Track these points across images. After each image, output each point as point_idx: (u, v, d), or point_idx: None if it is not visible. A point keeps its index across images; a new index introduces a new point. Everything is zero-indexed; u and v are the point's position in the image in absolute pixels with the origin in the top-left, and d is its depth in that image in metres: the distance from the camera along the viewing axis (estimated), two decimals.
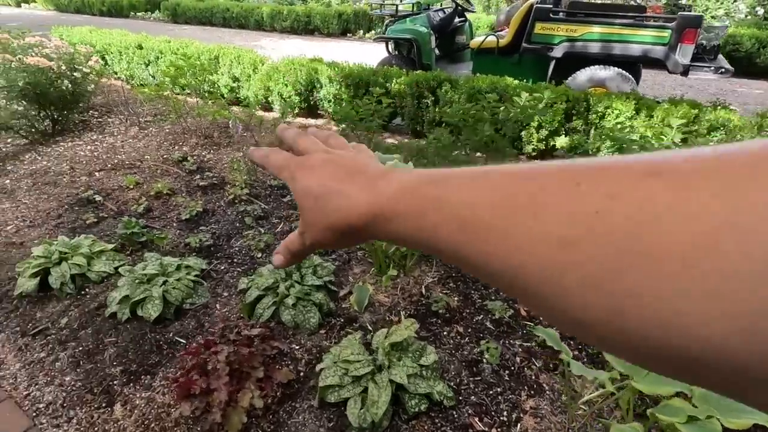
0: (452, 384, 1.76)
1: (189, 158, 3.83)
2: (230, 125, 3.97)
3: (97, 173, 3.72)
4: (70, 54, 4.47)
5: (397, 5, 5.51)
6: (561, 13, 4.27)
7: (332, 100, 4.57)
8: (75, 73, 4.48)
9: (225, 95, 5.32)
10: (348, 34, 11.95)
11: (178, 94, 5.00)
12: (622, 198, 0.17)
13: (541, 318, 1.74)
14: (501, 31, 5.23)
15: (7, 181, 3.63)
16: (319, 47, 9.82)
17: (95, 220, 2.98)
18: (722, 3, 10.26)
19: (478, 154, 2.92)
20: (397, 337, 1.69)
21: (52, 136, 4.59)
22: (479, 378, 1.81)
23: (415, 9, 5.71)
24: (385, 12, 5.70)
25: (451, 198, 0.24)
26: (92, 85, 4.67)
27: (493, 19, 8.85)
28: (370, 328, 2.06)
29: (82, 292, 2.37)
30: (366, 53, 8.39)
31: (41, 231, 2.92)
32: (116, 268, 2.51)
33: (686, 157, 0.17)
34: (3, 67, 4.03)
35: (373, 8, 6.38)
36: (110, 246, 2.59)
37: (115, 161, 3.96)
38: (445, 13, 5.34)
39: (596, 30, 4.14)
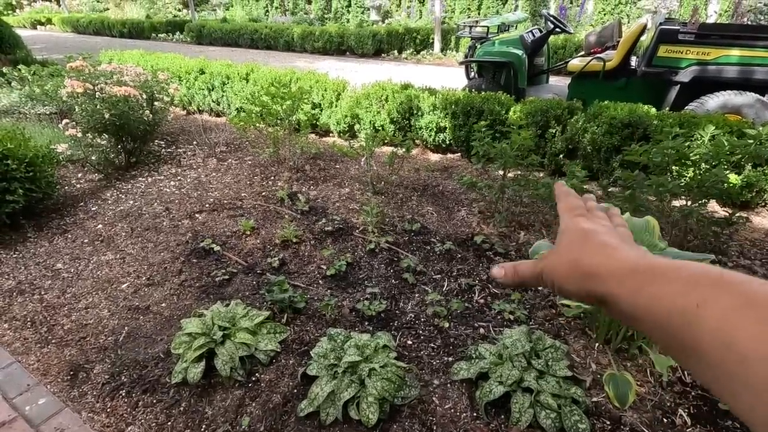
0: None
1: (300, 196, 3.42)
2: (362, 162, 3.58)
3: (198, 215, 3.31)
4: (148, 81, 4.10)
5: (488, 27, 5.18)
6: (690, 35, 3.94)
7: (434, 130, 4.20)
8: (155, 102, 4.10)
9: (301, 123, 4.96)
10: (382, 54, 11.73)
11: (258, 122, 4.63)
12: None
13: None
14: (595, 53, 4.90)
15: (99, 225, 3.21)
16: (364, 68, 9.53)
17: (226, 277, 2.55)
18: None
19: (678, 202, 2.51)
20: None
21: (126, 170, 4.19)
22: None
23: (497, 30, 5.40)
24: (473, 34, 5.38)
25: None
26: (171, 115, 4.29)
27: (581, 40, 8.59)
28: None
29: (253, 378, 1.93)
30: (415, 74, 8.10)
31: (165, 291, 2.49)
32: (281, 343, 2.09)
33: None
34: (84, 98, 3.64)
35: (460, 29, 6.06)
36: (265, 313, 2.17)
37: (211, 200, 3.55)
38: (534, 35, 5.01)
39: (735, 53, 3.80)
